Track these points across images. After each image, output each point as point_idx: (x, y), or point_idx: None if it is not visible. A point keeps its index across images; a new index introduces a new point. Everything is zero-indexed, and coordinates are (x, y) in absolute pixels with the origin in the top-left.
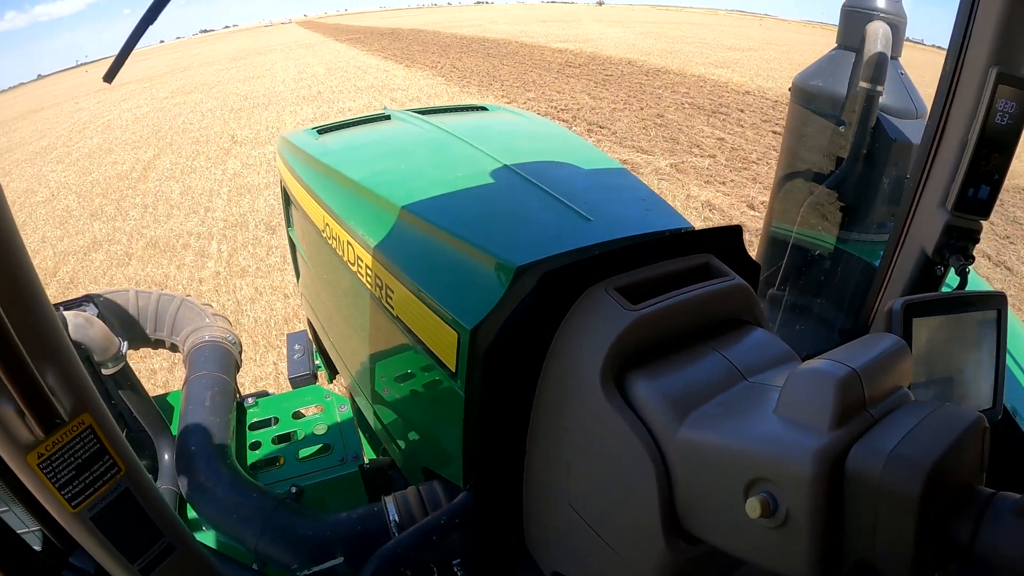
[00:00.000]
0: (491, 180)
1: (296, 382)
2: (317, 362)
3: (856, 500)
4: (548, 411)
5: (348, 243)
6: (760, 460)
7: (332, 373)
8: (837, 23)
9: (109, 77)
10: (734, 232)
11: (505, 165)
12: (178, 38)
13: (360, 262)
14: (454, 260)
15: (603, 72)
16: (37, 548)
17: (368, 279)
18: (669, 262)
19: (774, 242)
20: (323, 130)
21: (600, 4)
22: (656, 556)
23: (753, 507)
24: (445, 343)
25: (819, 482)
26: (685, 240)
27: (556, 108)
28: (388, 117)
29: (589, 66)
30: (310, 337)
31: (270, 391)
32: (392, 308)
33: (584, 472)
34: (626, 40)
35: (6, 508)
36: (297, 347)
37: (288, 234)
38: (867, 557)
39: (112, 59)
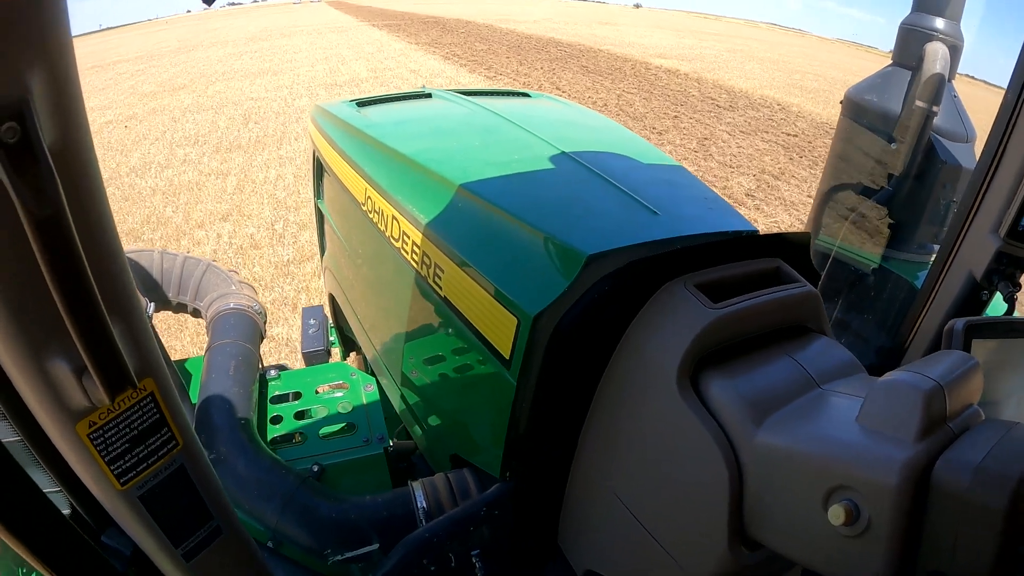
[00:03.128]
0: (550, 165)
1: (309, 357)
2: (332, 338)
3: (939, 512)
4: (612, 404)
5: (393, 218)
6: (843, 468)
7: (347, 350)
8: (863, 43)
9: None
10: (802, 239)
11: (563, 152)
12: (205, 9)
13: (406, 238)
14: (516, 244)
15: (776, 127)
16: (66, 511)
17: (414, 256)
18: (742, 263)
19: (814, 253)
20: (362, 103)
21: (637, 7)
22: (716, 560)
23: (837, 514)
24: (501, 328)
25: (904, 492)
26: (756, 243)
27: None
28: (429, 95)
29: (741, 109)
30: (326, 312)
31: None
32: (440, 288)
33: (646, 469)
34: (723, 60)
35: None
36: (312, 321)
37: (316, 205)
38: (942, 568)
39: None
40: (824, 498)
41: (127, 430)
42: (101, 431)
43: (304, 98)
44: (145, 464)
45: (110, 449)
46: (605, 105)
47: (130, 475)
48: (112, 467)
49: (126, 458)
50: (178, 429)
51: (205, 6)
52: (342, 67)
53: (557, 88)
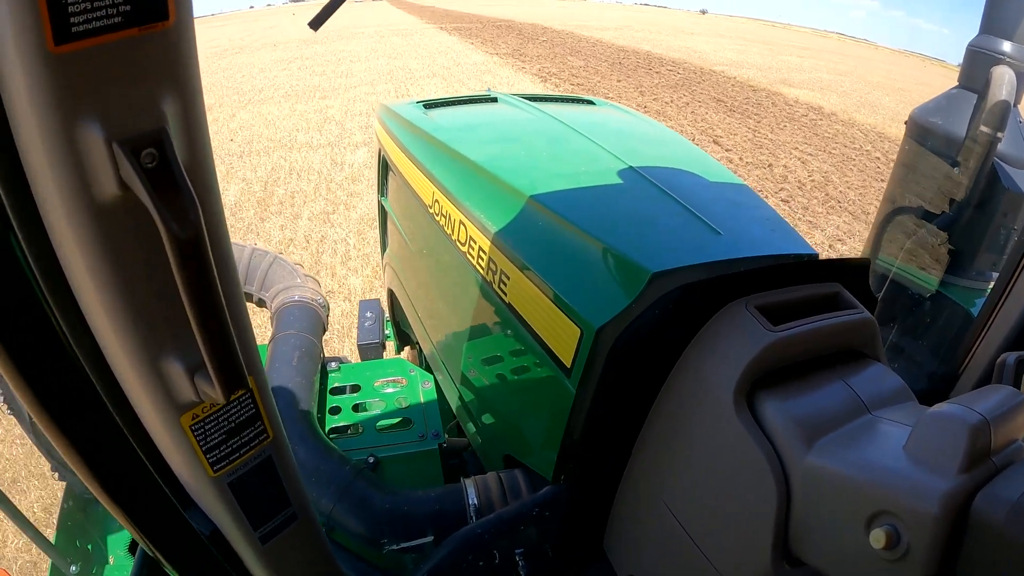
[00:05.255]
0: (618, 180)
1: (364, 349)
2: (387, 331)
3: (975, 544)
4: (668, 417)
5: (460, 222)
6: (887, 494)
7: (401, 344)
8: (932, 56)
9: (315, 24)
10: (861, 265)
11: (629, 166)
12: (269, 5)
13: (472, 243)
14: (583, 256)
15: None
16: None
17: (480, 261)
18: (802, 287)
19: (872, 275)
20: (429, 105)
21: (704, 13)
22: (758, 575)
23: (878, 538)
24: (564, 338)
25: (945, 522)
26: (816, 267)
27: None
28: (495, 99)
29: None
30: (382, 307)
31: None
32: (504, 295)
33: (696, 483)
34: (848, 89)
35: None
36: (369, 315)
37: (380, 202)
38: None
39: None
40: (867, 522)
41: (226, 423)
42: (203, 423)
43: (361, 149)
44: (238, 454)
45: (208, 439)
46: (800, 179)
47: (223, 463)
48: (208, 456)
49: (222, 448)
50: (270, 423)
51: (312, 30)
52: (411, 86)
53: (716, 143)
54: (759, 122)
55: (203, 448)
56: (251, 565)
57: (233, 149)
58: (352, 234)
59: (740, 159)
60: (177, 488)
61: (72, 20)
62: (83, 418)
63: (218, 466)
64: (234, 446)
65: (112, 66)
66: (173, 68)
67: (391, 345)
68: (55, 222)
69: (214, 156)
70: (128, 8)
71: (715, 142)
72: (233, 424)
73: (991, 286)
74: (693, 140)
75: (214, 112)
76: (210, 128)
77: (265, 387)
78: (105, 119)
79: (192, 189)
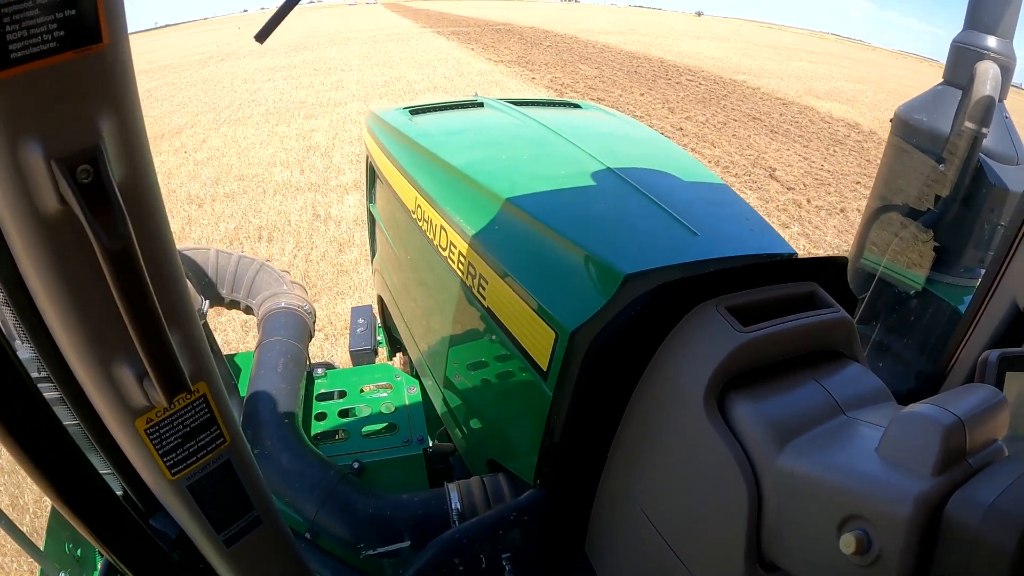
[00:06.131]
0: (594, 182)
1: (356, 355)
2: (379, 338)
3: (949, 548)
4: (641, 420)
5: (441, 228)
6: (859, 497)
7: (393, 351)
8: (926, 56)
9: (261, 37)
10: (839, 263)
11: (608, 168)
12: (262, 9)
13: (453, 248)
14: (558, 259)
15: None
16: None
17: (460, 266)
18: (777, 287)
19: (857, 273)
20: (415, 111)
21: (699, 15)
22: None
23: (848, 543)
24: (540, 341)
25: (917, 526)
26: (791, 266)
27: None
28: (481, 104)
29: None
30: (374, 313)
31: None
32: (483, 299)
33: (670, 486)
34: (874, 101)
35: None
36: (360, 321)
37: (369, 209)
38: None
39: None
40: (839, 526)
41: (180, 427)
42: (157, 427)
43: (352, 195)
44: (195, 458)
45: (164, 443)
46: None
47: (180, 467)
48: (165, 459)
49: (178, 452)
50: (226, 427)
51: (257, 43)
52: (412, 102)
53: (773, 178)
54: (806, 146)
55: (159, 452)
56: (219, 568)
57: (194, 192)
58: (341, 349)
59: (808, 201)
60: (145, 493)
61: (10, 47)
62: (30, 424)
63: (176, 469)
64: (190, 450)
65: (50, 88)
66: (109, 87)
67: (383, 351)
68: (10, 234)
69: (180, 194)
70: (62, 33)
71: (772, 177)
72: (188, 428)
73: (978, 283)
74: (747, 174)
75: (183, 136)
76: (173, 161)
77: (220, 392)
78: (44, 138)
79: (123, 203)
